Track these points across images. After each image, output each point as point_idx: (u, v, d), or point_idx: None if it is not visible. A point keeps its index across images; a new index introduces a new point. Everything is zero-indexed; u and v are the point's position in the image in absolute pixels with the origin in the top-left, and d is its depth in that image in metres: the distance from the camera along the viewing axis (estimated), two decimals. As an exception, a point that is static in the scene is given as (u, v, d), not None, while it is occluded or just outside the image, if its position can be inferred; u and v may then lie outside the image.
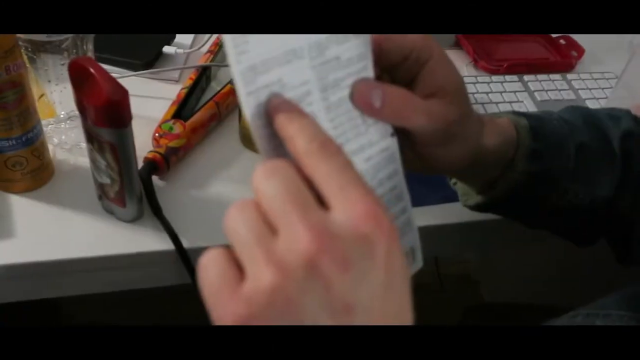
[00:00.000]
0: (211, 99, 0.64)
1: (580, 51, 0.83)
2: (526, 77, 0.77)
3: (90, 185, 0.54)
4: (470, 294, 1.42)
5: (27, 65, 0.55)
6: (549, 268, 1.14)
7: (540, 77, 0.78)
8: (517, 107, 0.72)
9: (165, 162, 0.57)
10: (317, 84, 0.32)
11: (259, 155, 0.30)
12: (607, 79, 0.79)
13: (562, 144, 0.47)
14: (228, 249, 0.27)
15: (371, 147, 0.34)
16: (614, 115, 0.52)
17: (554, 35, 0.86)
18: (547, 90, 0.76)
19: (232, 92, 0.65)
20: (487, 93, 0.73)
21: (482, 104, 0.72)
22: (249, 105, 0.29)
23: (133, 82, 0.69)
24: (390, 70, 0.38)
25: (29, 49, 0.53)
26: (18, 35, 0.52)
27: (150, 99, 0.67)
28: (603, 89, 0.77)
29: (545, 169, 0.46)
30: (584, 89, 0.77)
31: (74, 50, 0.55)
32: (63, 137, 0.60)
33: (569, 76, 0.79)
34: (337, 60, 0.32)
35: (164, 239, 0.52)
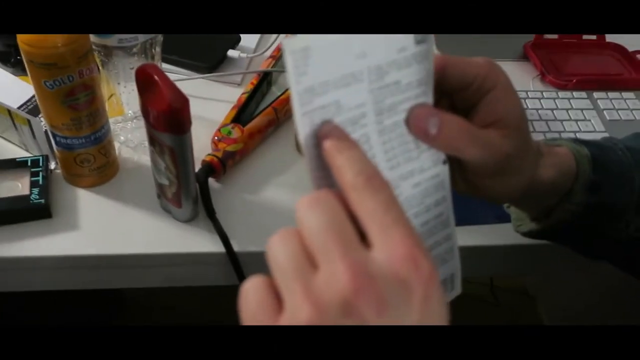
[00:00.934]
0: (270, 104, 0.65)
1: (659, 68, 0.78)
2: (596, 94, 0.74)
3: (151, 184, 0.57)
4: (525, 310, 1.37)
5: (100, 67, 0.58)
6: (612, 286, 1.09)
7: (612, 94, 0.74)
8: (583, 126, 0.69)
9: (222, 165, 0.59)
10: (373, 107, 0.32)
11: None
12: (686, 99, 0.75)
13: (625, 175, 0.45)
14: (269, 277, 0.27)
15: (422, 173, 0.34)
16: None
17: (630, 49, 0.82)
18: (617, 109, 0.72)
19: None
20: (552, 110, 0.71)
21: (546, 121, 0.69)
22: (303, 125, 0.30)
23: (197, 85, 0.71)
24: (451, 95, 0.37)
25: (102, 53, 0.56)
26: (92, 40, 0.55)
27: (213, 101, 0.69)
28: (681, 109, 0.73)
29: (605, 202, 0.44)
30: (659, 109, 0.73)
31: (143, 55, 0.57)
32: (129, 135, 0.63)
33: (644, 95, 0.75)
34: (396, 84, 0.32)
35: (216, 241, 0.54)
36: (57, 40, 0.47)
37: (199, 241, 0.55)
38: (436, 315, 0.26)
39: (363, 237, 0.27)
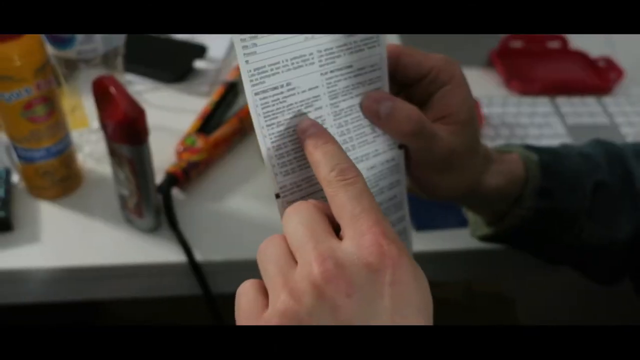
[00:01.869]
0: (235, 114, 0.65)
1: (620, 73, 0.80)
2: (558, 100, 0.75)
3: (114, 195, 0.57)
4: (503, 314, 1.38)
5: (62, 79, 0.59)
6: (590, 288, 1.10)
7: (573, 99, 0.76)
8: (546, 131, 0.70)
9: (185, 175, 0.59)
10: (326, 89, 0.33)
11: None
12: (646, 103, 0.76)
13: (577, 181, 0.46)
14: (260, 280, 0.30)
15: (376, 156, 0.35)
16: None
17: (592, 57, 0.84)
18: (579, 114, 0.74)
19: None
20: (515, 115, 0.72)
21: (510, 126, 0.71)
22: (255, 105, 0.31)
23: (163, 95, 0.72)
24: (406, 87, 0.38)
25: (64, 66, 0.57)
26: (53, 53, 0.55)
27: (179, 112, 0.69)
28: (640, 113, 0.74)
29: (556, 207, 0.45)
30: (619, 113, 0.74)
31: (105, 66, 0.58)
32: (93, 147, 0.63)
33: (605, 100, 0.77)
34: (348, 68, 0.33)
35: (178, 251, 0.54)
36: (13, 53, 0.47)
37: (161, 251, 0.55)
38: (407, 298, 0.28)
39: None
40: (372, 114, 0.35)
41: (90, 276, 0.54)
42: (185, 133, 0.64)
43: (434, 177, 0.39)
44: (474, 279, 1.28)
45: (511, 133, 0.70)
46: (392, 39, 0.84)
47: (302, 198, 0.33)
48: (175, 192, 0.60)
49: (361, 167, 0.35)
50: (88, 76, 0.58)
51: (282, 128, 0.32)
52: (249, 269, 0.32)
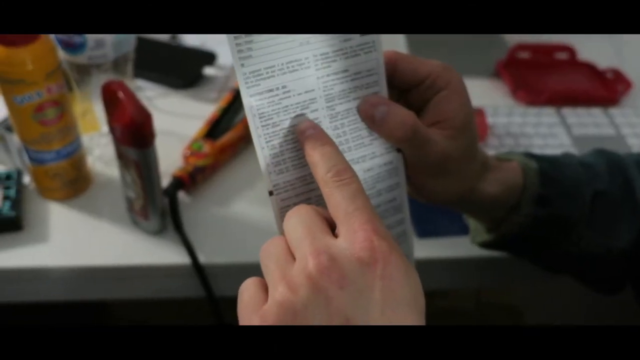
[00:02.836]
0: (242, 120, 0.67)
1: (628, 85, 0.80)
2: (564, 110, 0.76)
3: (122, 198, 0.58)
4: (512, 324, 1.37)
5: (74, 83, 0.60)
6: (600, 300, 1.09)
7: (580, 110, 0.76)
8: (550, 141, 0.71)
9: (191, 179, 0.60)
10: (322, 92, 0.34)
11: None
12: (654, 115, 0.76)
13: (577, 190, 0.46)
14: (261, 278, 0.32)
15: (373, 159, 0.36)
16: None
17: (600, 68, 0.84)
18: (585, 125, 0.74)
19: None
20: (520, 125, 0.72)
21: (514, 136, 0.71)
22: (250, 107, 0.32)
23: (172, 101, 0.73)
24: (403, 92, 0.39)
25: (75, 71, 0.58)
26: (65, 58, 0.57)
27: (187, 117, 0.71)
28: (647, 125, 0.74)
29: (555, 215, 0.45)
30: (625, 124, 0.74)
31: (115, 72, 0.59)
32: (103, 150, 0.65)
33: (611, 111, 0.77)
34: (344, 72, 0.34)
35: (183, 253, 0.55)
36: (25, 57, 0.48)
37: (166, 253, 0.56)
38: (397, 292, 0.29)
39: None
40: (368, 117, 0.36)
41: (96, 276, 0.55)
42: (192, 138, 0.65)
43: (429, 181, 0.39)
44: (477, 286, 1.28)
45: (516, 143, 0.70)
46: (401, 49, 0.84)
47: (295, 196, 0.34)
48: (181, 195, 0.61)
49: (358, 168, 0.36)
50: (99, 81, 0.60)
51: (277, 129, 0.33)
52: (251, 272, 0.33)
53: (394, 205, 0.38)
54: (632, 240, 0.46)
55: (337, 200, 0.31)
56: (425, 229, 0.60)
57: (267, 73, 0.32)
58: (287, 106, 0.33)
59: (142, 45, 0.62)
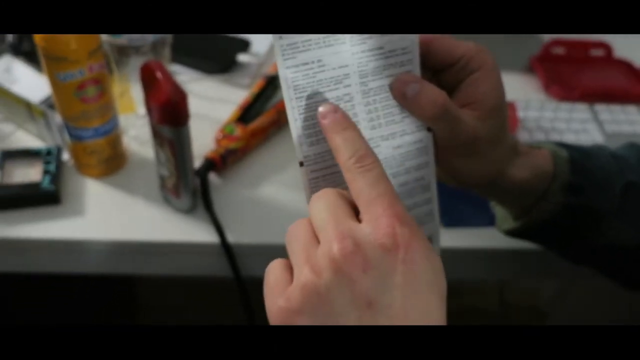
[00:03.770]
0: (273, 106, 0.68)
1: (664, 83, 0.79)
2: (597, 107, 0.75)
3: (155, 177, 0.60)
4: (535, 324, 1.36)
5: (114, 65, 0.62)
6: (625, 302, 1.07)
7: (613, 107, 0.75)
8: (583, 138, 0.70)
9: (222, 161, 0.61)
10: (356, 68, 0.35)
11: None
12: (691, 114, 0.75)
13: (607, 180, 0.45)
14: (287, 260, 0.33)
15: (403, 136, 0.37)
16: None
17: (637, 66, 0.83)
18: (618, 122, 0.73)
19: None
20: (551, 120, 0.72)
21: (545, 130, 0.70)
22: (286, 78, 0.33)
23: (206, 86, 0.75)
24: (437, 73, 0.39)
25: (115, 52, 0.60)
26: (105, 39, 0.59)
27: (221, 102, 0.72)
28: (684, 124, 0.73)
29: (584, 204, 0.45)
30: (661, 123, 0.73)
31: (153, 54, 0.61)
32: (138, 131, 0.67)
33: (647, 109, 0.76)
34: (379, 49, 0.35)
35: (212, 232, 0.57)
36: (69, 36, 0.50)
37: (196, 231, 0.57)
38: (419, 275, 0.29)
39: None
40: (400, 95, 0.36)
41: (128, 250, 0.57)
42: (225, 122, 0.66)
43: (459, 161, 0.39)
44: (501, 279, 1.27)
45: (546, 137, 0.70)
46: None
47: (325, 168, 0.35)
48: (212, 177, 0.62)
49: (387, 145, 0.36)
50: (137, 64, 0.62)
51: (310, 101, 0.34)
52: (278, 253, 0.34)
53: (422, 184, 0.38)
54: None
55: (359, 186, 0.31)
56: (452, 218, 0.60)
57: (304, 46, 0.33)
58: (321, 80, 0.34)
59: (179, 29, 0.64)
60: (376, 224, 0.30)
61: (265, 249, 0.57)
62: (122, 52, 0.60)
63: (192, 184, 0.56)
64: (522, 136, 0.69)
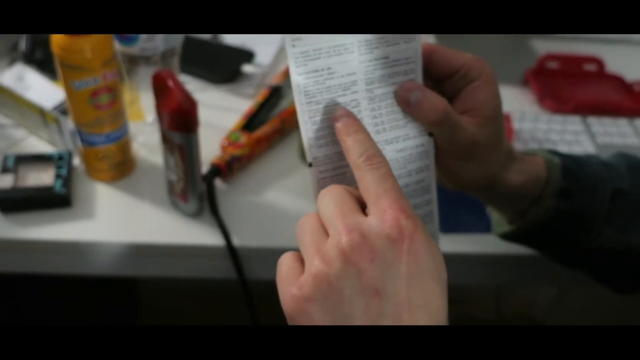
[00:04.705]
0: (277, 115, 0.70)
1: (655, 98, 0.81)
2: (589, 119, 0.77)
3: (163, 182, 0.62)
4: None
5: (125, 73, 0.65)
6: (627, 314, 1.08)
7: (605, 120, 0.78)
8: (575, 149, 0.72)
9: (228, 168, 0.64)
10: (363, 76, 0.37)
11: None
12: (680, 127, 0.77)
13: (597, 186, 0.48)
14: (298, 252, 0.35)
15: (406, 140, 0.39)
16: None
17: (628, 81, 0.86)
18: (609, 134, 0.75)
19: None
20: (545, 131, 0.74)
21: (539, 141, 0.73)
22: (297, 84, 0.36)
23: (212, 95, 0.77)
24: (438, 81, 0.42)
25: (127, 61, 0.63)
26: (118, 49, 0.61)
27: (226, 110, 0.75)
28: (673, 137, 0.75)
29: (575, 209, 0.47)
30: (651, 135, 0.76)
31: (162, 64, 0.63)
32: (147, 138, 0.69)
33: (637, 122, 0.78)
34: (385, 59, 0.38)
35: (218, 235, 0.59)
36: (85, 45, 0.53)
37: (202, 235, 0.59)
38: (422, 264, 0.32)
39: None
40: (403, 101, 0.39)
41: (136, 252, 0.59)
42: (230, 129, 0.69)
43: (457, 164, 0.42)
44: (498, 283, 1.28)
45: (540, 148, 0.72)
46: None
47: (333, 169, 0.37)
48: (218, 182, 0.65)
49: (391, 148, 0.39)
50: (146, 74, 0.64)
51: (319, 106, 0.36)
52: (280, 256, 0.36)
53: (423, 186, 0.40)
54: None
55: (367, 183, 0.34)
56: (449, 224, 0.63)
57: (315, 54, 0.35)
58: (330, 86, 0.36)
59: (186, 41, 0.66)
60: (383, 216, 0.32)
61: (268, 252, 0.59)
62: (133, 62, 0.63)
63: (199, 189, 0.58)
64: (517, 147, 0.72)
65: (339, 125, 0.36)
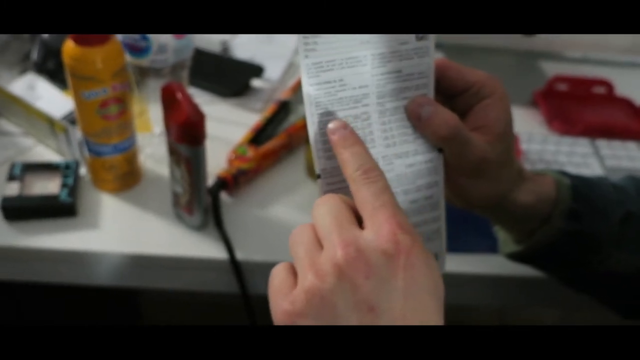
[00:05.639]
0: (284, 130, 0.70)
1: (664, 122, 0.81)
2: (598, 142, 0.77)
3: (168, 194, 0.62)
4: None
5: (134, 85, 0.65)
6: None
7: (614, 143, 0.77)
8: (583, 171, 0.72)
9: (234, 181, 0.64)
10: (375, 89, 0.37)
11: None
12: (690, 152, 0.77)
13: (607, 208, 0.47)
14: (291, 263, 0.34)
15: (416, 155, 0.39)
16: None
17: (638, 104, 0.85)
18: (618, 157, 0.75)
19: (305, 127, 0.71)
20: (553, 153, 0.74)
21: (547, 163, 0.73)
22: (309, 95, 0.35)
23: (221, 109, 0.78)
24: (449, 97, 0.42)
25: (137, 73, 0.63)
26: (129, 60, 0.62)
27: (234, 124, 0.75)
28: (683, 162, 0.75)
29: (584, 231, 0.46)
30: (660, 159, 0.75)
31: (172, 77, 0.64)
32: (154, 150, 0.69)
33: (646, 145, 0.78)
34: (397, 73, 0.37)
35: (222, 249, 0.59)
36: (96, 57, 0.53)
37: (206, 248, 0.59)
38: (418, 280, 0.31)
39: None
40: (414, 116, 0.38)
41: (140, 263, 0.59)
42: (237, 143, 0.69)
43: (467, 182, 0.41)
44: (502, 305, 1.27)
45: (549, 169, 0.72)
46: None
47: (340, 182, 0.37)
48: (224, 196, 0.64)
49: (400, 162, 0.38)
50: (156, 86, 0.64)
51: (330, 118, 0.36)
52: None
53: (431, 202, 0.40)
54: None
55: (364, 196, 0.33)
56: (455, 244, 0.62)
57: (328, 66, 0.35)
58: (341, 98, 0.36)
59: (196, 55, 0.67)
60: (379, 230, 0.31)
61: (272, 267, 0.59)
62: (143, 74, 0.63)
63: (205, 202, 0.58)
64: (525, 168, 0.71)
65: (334, 137, 0.36)
